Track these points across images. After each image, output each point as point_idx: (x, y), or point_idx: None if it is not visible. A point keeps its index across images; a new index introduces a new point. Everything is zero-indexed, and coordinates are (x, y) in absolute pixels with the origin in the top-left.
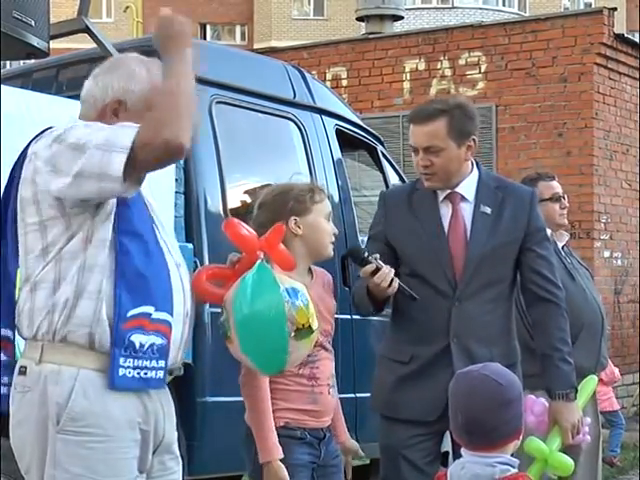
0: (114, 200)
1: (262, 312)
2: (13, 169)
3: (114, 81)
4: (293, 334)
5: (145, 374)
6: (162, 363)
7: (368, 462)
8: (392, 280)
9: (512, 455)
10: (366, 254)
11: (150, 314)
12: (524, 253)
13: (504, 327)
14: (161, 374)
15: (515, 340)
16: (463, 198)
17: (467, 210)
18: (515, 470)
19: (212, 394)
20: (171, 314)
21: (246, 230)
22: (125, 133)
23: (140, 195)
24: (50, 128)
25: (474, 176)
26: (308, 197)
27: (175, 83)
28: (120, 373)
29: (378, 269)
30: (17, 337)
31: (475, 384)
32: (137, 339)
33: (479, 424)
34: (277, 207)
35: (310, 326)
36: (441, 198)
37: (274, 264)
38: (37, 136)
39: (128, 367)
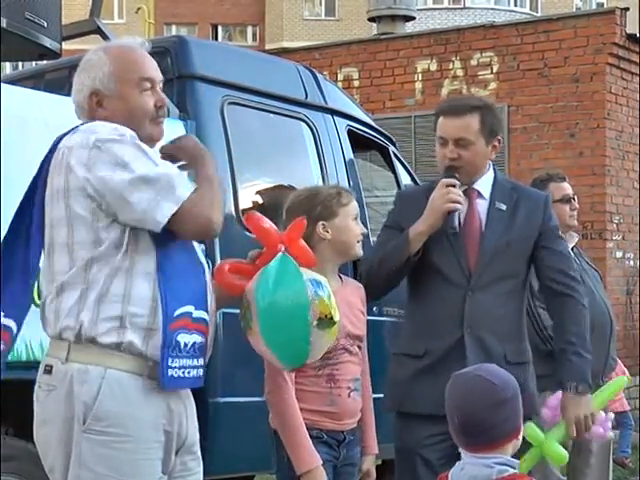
0: None
1: (285, 300)
2: (43, 162)
3: (84, 79)
4: (315, 323)
5: (188, 373)
6: (201, 361)
7: (380, 463)
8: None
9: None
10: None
11: (191, 313)
12: (539, 251)
13: (516, 323)
14: (200, 372)
15: (526, 341)
16: (479, 194)
17: (483, 206)
18: (514, 470)
19: (224, 394)
20: (207, 312)
21: (268, 224)
22: (182, 184)
23: None
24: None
25: (490, 175)
26: (335, 201)
27: (211, 178)
28: (169, 374)
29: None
30: (22, 332)
31: (469, 385)
32: (182, 339)
33: (475, 424)
34: (304, 212)
35: (332, 317)
36: None
37: (295, 259)
38: (69, 131)
39: (175, 367)
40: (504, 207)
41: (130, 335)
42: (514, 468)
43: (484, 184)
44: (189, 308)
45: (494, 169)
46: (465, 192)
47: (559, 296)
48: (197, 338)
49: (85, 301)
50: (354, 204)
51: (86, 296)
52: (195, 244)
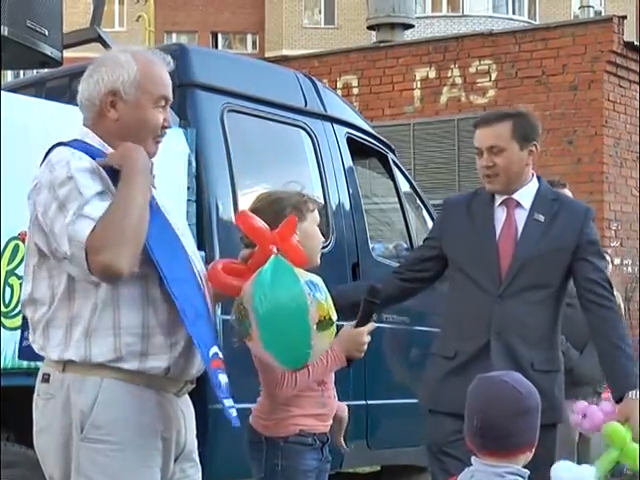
0: None
1: (284, 306)
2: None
3: (103, 74)
4: (315, 326)
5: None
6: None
7: (379, 469)
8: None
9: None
10: (375, 306)
11: (217, 354)
12: (578, 263)
13: (547, 332)
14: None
15: (558, 350)
16: (519, 204)
17: (521, 216)
18: None
19: None
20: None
21: (259, 223)
22: (77, 234)
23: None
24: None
25: (533, 185)
26: (304, 205)
27: (124, 206)
28: (234, 414)
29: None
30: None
31: (495, 389)
32: (222, 379)
33: (494, 429)
34: (274, 213)
35: (330, 317)
36: (497, 203)
37: (287, 258)
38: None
39: (232, 407)
40: (542, 218)
41: (127, 364)
42: (525, 478)
43: (525, 195)
44: (215, 349)
45: (540, 180)
46: (504, 202)
47: (598, 307)
48: (225, 378)
49: (72, 337)
50: (317, 211)
51: (71, 332)
52: (192, 255)
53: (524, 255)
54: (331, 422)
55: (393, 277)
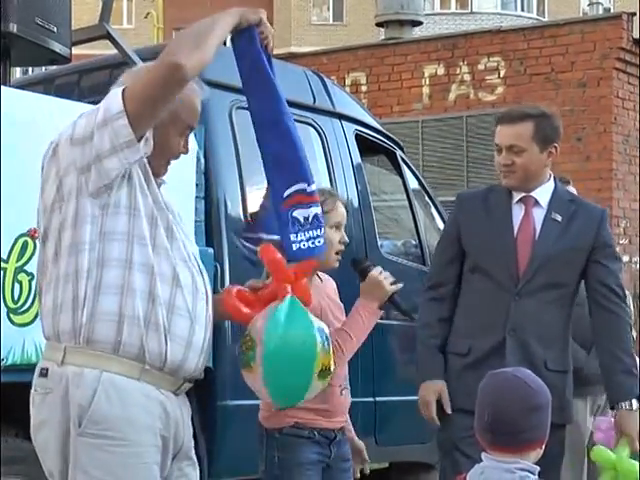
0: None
1: (295, 348)
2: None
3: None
4: (317, 374)
5: (318, 242)
6: (323, 231)
7: (387, 466)
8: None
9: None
10: (367, 264)
11: (305, 189)
12: (592, 265)
13: (561, 332)
14: (322, 241)
15: (569, 350)
16: (536, 203)
17: (539, 214)
18: (535, 477)
19: (233, 397)
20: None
21: (280, 257)
22: (114, 98)
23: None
24: None
25: (550, 185)
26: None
27: (204, 28)
28: (294, 248)
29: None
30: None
31: (507, 384)
32: (300, 214)
33: (505, 424)
34: None
35: (330, 368)
36: (515, 200)
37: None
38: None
39: (301, 240)
40: (560, 218)
41: (125, 332)
42: (535, 474)
43: (543, 193)
44: (302, 185)
45: (556, 181)
46: (522, 199)
47: (605, 310)
48: (316, 209)
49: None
50: (339, 211)
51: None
52: (192, 254)
53: (543, 254)
54: (342, 420)
55: (431, 305)
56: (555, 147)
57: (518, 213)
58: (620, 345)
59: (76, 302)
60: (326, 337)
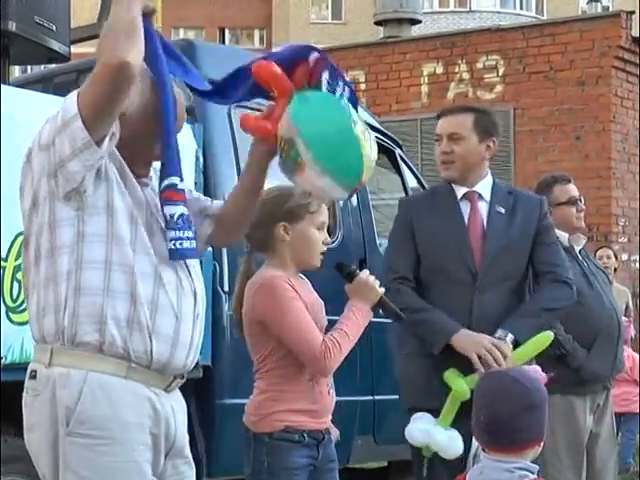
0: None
1: (329, 120)
2: None
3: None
4: (360, 134)
5: (180, 244)
6: (192, 233)
7: (386, 464)
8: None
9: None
10: (352, 268)
11: (176, 185)
12: (535, 248)
13: None
14: (194, 244)
15: None
16: (480, 197)
17: (484, 208)
18: (534, 476)
19: (231, 396)
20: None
21: (280, 70)
22: (69, 101)
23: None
24: None
25: (489, 180)
26: (303, 205)
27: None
28: (169, 246)
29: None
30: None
31: (502, 384)
32: (168, 211)
33: (501, 424)
34: (271, 210)
35: (364, 127)
36: (460, 196)
37: None
38: None
39: (172, 239)
40: (503, 210)
41: (108, 332)
42: (534, 474)
43: (484, 187)
44: (174, 179)
45: (492, 175)
46: (466, 195)
47: (550, 281)
48: (183, 209)
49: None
50: (323, 212)
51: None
52: None
53: (494, 247)
54: (328, 420)
55: (412, 292)
56: (493, 142)
57: (465, 209)
58: (555, 304)
59: (58, 305)
60: (346, 101)
